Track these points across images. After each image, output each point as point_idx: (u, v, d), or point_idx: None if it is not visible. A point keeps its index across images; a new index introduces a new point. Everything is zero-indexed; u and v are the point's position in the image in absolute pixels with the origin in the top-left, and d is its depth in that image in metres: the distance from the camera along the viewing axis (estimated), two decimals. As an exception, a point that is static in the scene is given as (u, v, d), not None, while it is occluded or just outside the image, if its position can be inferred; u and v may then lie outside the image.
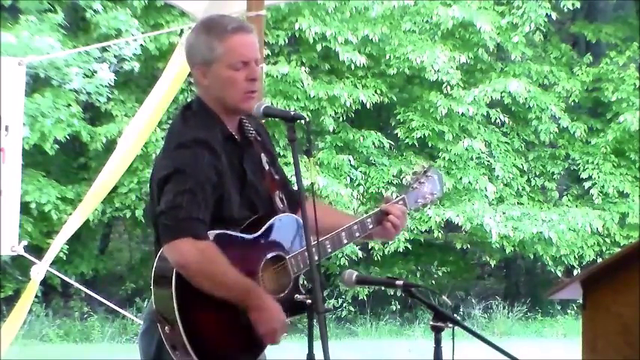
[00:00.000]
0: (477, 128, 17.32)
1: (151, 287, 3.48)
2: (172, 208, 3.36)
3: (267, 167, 3.66)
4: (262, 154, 3.67)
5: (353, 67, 16.53)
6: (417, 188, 3.97)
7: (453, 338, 3.22)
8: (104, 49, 14.96)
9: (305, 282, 3.59)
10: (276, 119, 3.62)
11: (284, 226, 3.59)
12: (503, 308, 17.08)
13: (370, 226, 3.77)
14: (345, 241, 3.71)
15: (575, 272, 16.60)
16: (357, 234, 3.73)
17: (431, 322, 3.28)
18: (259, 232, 3.52)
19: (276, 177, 3.69)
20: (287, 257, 3.56)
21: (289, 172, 3.83)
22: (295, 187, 3.53)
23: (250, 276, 3.45)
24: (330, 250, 3.67)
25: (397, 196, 3.94)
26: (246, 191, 3.55)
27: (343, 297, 16.55)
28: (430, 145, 17.17)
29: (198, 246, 3.33)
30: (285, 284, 3.55)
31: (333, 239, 3.66)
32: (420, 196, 3.97)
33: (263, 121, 3.69)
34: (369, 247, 16.40)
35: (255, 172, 3.61)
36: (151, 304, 3.50)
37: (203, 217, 3.37)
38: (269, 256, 3.53)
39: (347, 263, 15.81)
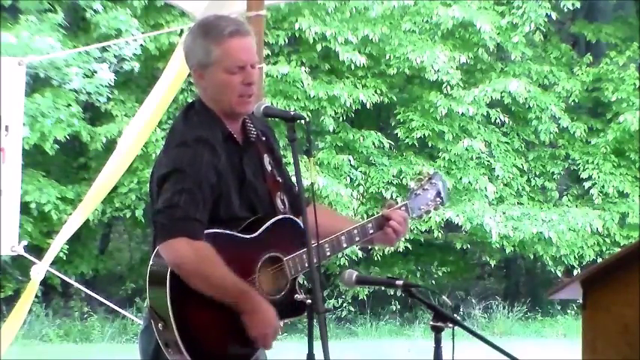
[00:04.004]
0: (476, 128, 17.31)
1: (146, 285, 3.49)
2: (170, 206, 3.37)
3: (269, 168, 3.65)
4: (265, 155, 3.66)
5: (353, 67, 16.53)
6: (420, 195, 3.93)
7: (453, 338, 3.22)
8: (104, 49, 14.96)
9: (305, 282, 3.58)
10: (276, 119, 3.63)
11: (283, 228, 3.57)
12: (503, 308, 17.08)
13: (371, 231, 3.75)
14: (345, 245, 3.69)
15: (575, 272, 16.58)
16: (357, 238, 3.72)
17: (431, 322, 3.28)
18: (257, 233, 3.51)
19: (279, 179, 3.68)
20: (285, 259, 3.54)
21: (289, 172, 3.83)
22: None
23: (246, 276, 3.44)
24: (329, 254, 3.66)
25: (399, 202, 3.92)
26: (245, 191, 3.54)
27: (343, 297, 16.55)
28: (430, 145, 17.18)
29: (194, 246, 3.33)
30: (282, 286, 3.54)
31: (333, 243, 3.64)
32: (423, 203, 3.93)
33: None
34: (369, 247, 16.36)
35: (256, 173, 3.60)
36: (147, 301, 3.51)
37: (200, 218, 3.37)
38: (266, 256, 3.52)
39: (347, 263, 15.80)
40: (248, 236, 3.49)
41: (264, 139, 3.69)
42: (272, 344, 3.47)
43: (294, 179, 3.80)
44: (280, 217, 3.59)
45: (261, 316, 3.40)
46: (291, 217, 3.62)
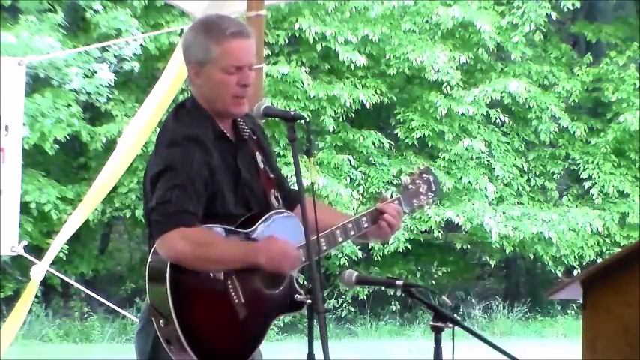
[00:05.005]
0: (476, 128, 17.32)
1: (146, 282, 3.49)
2: (162, 203, 3.39)
3: (261, 166, 3.67)
4: (257, 153, 3.68)
5: (353, 67, 16.53)
6: (412, 189, 3.95)
7: (453, 338, 3.22)
8: (104, 49, 14.96)
9: (305, 282, 3.59)
10: (276, 119, 3.63)
11: (279, 224, 3.59)
12: (503, 308, 17.08)
13: (365, 225, 3.76)
14: (340, 239, 3.71)
15: (575, 272, 16.58)
16: (352, 232, 3.73)
17: (431, 322, 3.28)
18: (253, 229, 3.52)
19: (271, 176, 3.70)
20: None
21: (289, 172, 3.83)
22: (294, 187, 3.54)
23: (243, 272, 3.45)
24: (325, 248, 3.66)
25: (393, 197, 3.94)
26: (241, 189, 3.56)
27: (343, 297, 16.55)
28: (430, 145, 17.18)
29: (187, 234, 3.35)
30: (279, 281, 3.55)
31: (328, 237, 3.65)
32: (415, 197, 3.95)
33: (262, 121, 3.69)
34: (369, 247, 16.40)
35: (250, 171, 3.62)
36: (147, 301, 3.51)
37: (194, 210, 3.39)
38: None
39: (347, 263, 15.80)
40: (245, 231, 3.50)
41: (254, 137, 3.70)
42: (298, 264, 3.50)
43: (289, 178, 3.82)
44: (276, 212, 3.61)
45: (280, 257, 3.44)
46: (287, 212, 3.64)
